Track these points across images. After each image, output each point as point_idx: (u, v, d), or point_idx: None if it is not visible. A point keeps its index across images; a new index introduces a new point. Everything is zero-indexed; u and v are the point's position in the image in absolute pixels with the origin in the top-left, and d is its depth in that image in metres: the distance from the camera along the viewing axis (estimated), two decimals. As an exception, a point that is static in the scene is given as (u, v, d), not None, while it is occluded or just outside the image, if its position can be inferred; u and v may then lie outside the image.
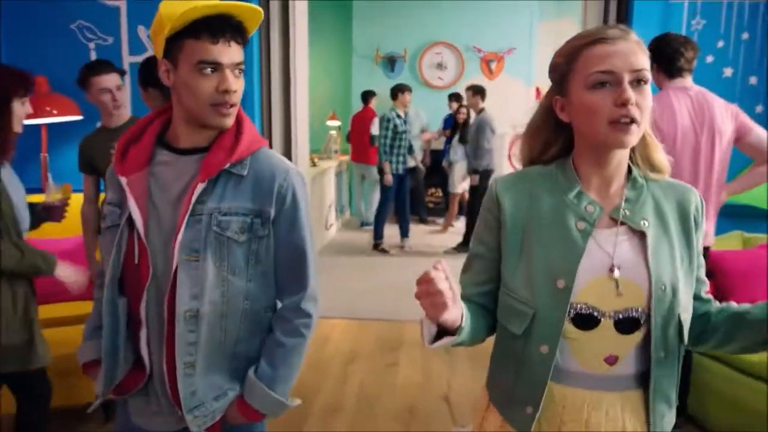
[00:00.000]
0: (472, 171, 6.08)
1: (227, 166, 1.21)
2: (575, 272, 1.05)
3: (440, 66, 7.73)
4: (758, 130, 2.47)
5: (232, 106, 1.21)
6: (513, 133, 7.51)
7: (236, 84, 1.20)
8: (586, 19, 3.72)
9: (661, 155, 1.12)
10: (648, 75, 1.04)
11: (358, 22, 7.76)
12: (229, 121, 1.23)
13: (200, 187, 1.19)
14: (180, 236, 1.19)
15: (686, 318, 1.09)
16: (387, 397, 3.03)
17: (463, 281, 1.20)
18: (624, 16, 3.50)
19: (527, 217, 1.11)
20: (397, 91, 6.14)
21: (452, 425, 2.74)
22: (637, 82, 1.02)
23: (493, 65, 7.62)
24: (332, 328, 4.03)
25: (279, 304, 1.33)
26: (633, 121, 1.01)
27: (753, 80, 3.40)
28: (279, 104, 3.97)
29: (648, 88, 1.03)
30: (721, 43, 3.37)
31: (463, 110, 6.37)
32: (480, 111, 5.98)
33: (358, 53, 7.83)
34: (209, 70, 1.16)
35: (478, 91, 6.04)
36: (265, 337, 1.31)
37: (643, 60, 1.03)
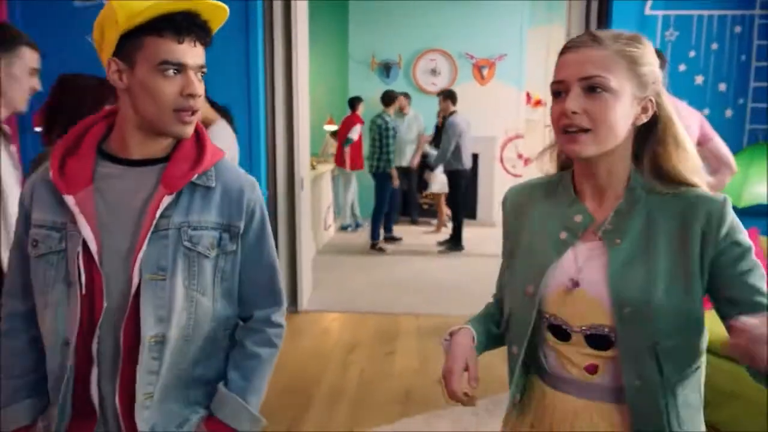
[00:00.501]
0: (430, 170, 6.57)
1: (194, 177, 1.13)
2: (541, 280, 1.06)
3: (434, 72, 7.98)
4: (717, 140, 2.73)
5: (194, 112, 1.10)
6: (504, 137, 7.78)
7: (200, 88, 1.09)
8: (570, 27, 3.99)
9: (674, 165, 1.04)
10: (606, 82, 0.98)
11: (354, 30, 7.99)
12: (190, 130, 1.11)
13: (167, 199, 1.09)
14: (142, 254, 1.07)
15: (674, 345, 1.00)
16: (386, 383, 3.27)
17: (497, 284, 1.27)
18: (604, 25, 3.76)
19: (521, 223, 1.15)
20: (391, 98, 6.43)
21: (447, 407, 2.98)
22: (591, 89, 0.98)
23: (485, 71, 7.87)
24: (332, 321, 4.26)
25: (240, 321, 1.24)
26: (582, 130, 0.98)
27: (722, 87, 3.67)
28: (282, 108, 4.20)
29: (606, 96, 0.98)
30: (692, 53, 3.63)
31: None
32: (450, 114, 6.21)
33: (355, 59, 8.06)
34: (172, 71, 1.05)
35: (448, 96, 6.30)
36: (221, 358, 1.21)
37: (598, 67, 0.98)
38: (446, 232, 7.00)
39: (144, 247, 1.07)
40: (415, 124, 7.28)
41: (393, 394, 3.14)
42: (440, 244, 6.45)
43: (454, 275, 5.35)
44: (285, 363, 3.47)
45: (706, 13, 3.61)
